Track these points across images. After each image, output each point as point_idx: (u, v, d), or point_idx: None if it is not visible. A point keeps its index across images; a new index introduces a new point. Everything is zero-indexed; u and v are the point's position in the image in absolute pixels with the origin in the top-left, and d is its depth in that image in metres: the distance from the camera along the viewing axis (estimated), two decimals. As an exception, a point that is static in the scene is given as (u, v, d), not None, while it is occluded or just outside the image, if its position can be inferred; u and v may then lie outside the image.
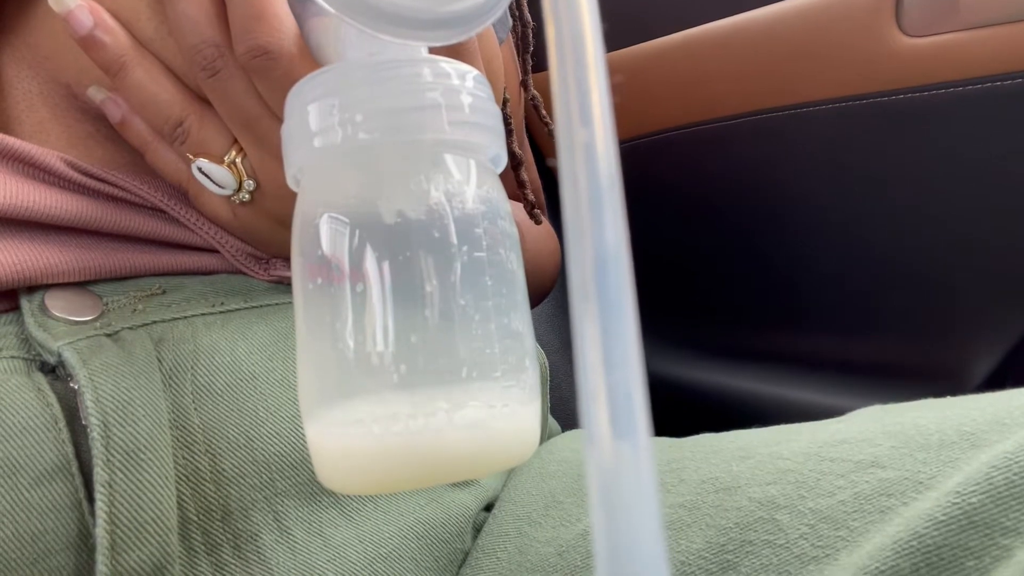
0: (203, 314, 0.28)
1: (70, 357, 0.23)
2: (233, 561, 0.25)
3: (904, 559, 0.19)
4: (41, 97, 0.29)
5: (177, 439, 0.25)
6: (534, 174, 0.53)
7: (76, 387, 0.23)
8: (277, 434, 0.27)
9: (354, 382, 0.16)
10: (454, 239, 0.17)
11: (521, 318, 0.18)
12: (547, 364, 0.43)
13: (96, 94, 0.27)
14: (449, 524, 0.31)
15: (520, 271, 0.18)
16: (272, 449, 0.27)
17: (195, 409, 0.26)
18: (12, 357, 0.24)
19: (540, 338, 0.68)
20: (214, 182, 0.27)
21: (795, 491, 0.24)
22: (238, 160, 0.26)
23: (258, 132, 0.25)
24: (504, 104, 0.38)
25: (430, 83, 0.17)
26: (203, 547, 0.25)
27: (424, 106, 0.17)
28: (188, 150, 0.26)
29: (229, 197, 0.27)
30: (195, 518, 0.25)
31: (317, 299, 0.17)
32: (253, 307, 0.30)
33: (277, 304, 0.30)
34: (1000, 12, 0.52)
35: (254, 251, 0.30)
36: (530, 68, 0.42)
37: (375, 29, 0.16)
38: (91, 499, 0.23)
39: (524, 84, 0.41)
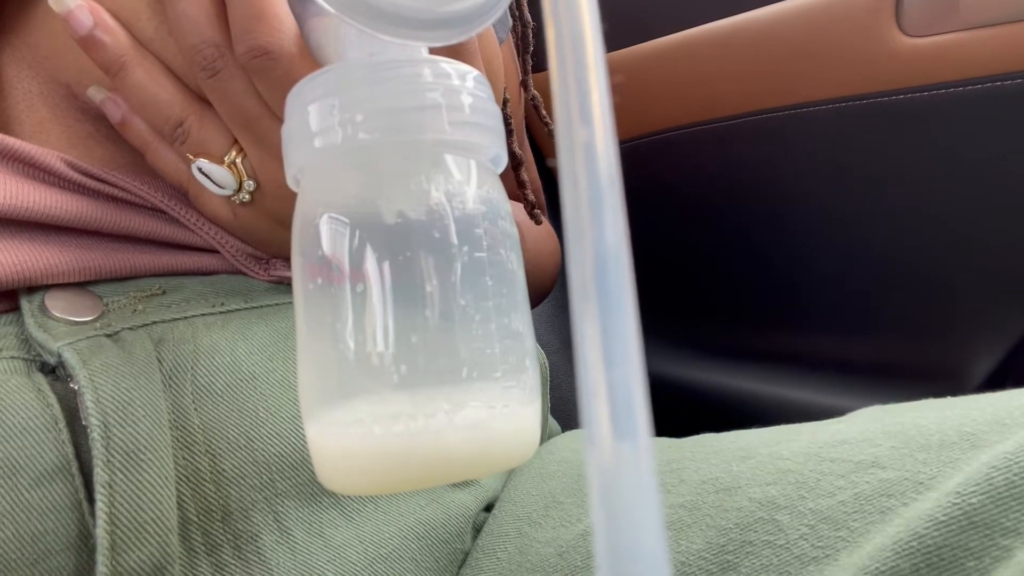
0: (203, 314, 0.28)
1: (70, 358, 0.23)
2: (233, 561, 0.25)
3: (904, 559, 0.19)
4: (41, 97, 0.29)
5: (177, 439, 0.25)
6: (534, 174, 0.53)
7: (76, 388, 0.23)
8: (277, 434, 0.27)
9: (354, 382, 0.16)
10: (454, 239, 0.16)
11: (521, 318, 0.18)
12: (547, 364, 0.43)
13: (96, 94, 0.27)
14: (449, 524, 0.31)
15: (520, 271, 0.18)
16: (272, 449, 0.27)
17: (195, 409, 0.26)
18: (12, 358, 0.24)
19: (540, 338, 0.68)
20: (214, 182, 0.27)
21: (795, 491, 0.24)
22: (238, 160, 0.26)
23: (258, 132, 0.25)
24: (504, 104, 0.38)
25: (430, 83, 0.17)
26: (203, 547, 0.25)
27: (424, 106, 0.17)
28: (188, 150, 0.26)
29: (229, 197, 0.27)
30: (195, 518, 0.25)
31: (317, 299, 0.17)
32: (253, 307, 0.30)
33: (277, 304, 0.30)
34: (1000, 12, 0.52)
35: (254, 251, 0.30)
36: (530, 68, 0.42)
37: (375, 29, 0.16)
38: (91, 499, 0.23)
39: (524, 84, 0.41)
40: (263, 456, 0.27)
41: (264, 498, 0.26)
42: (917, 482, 0.22)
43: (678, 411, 0.84)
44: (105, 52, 0.25)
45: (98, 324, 0.26)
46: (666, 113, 0.70)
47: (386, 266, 0.16)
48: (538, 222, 0.42)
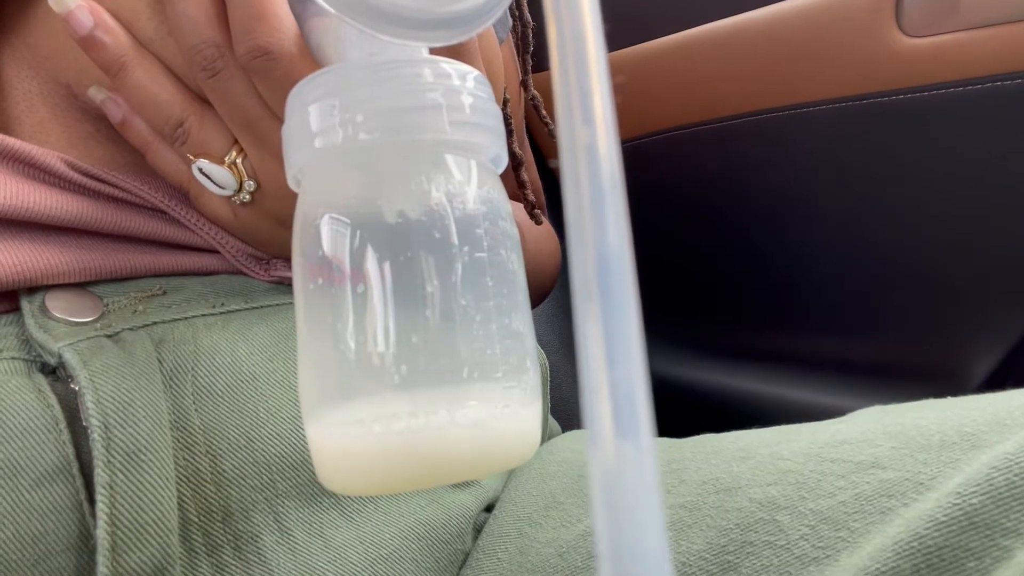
0: (203, 315, 0.28)
1: (71, 358, 0.23)
2: (234, 562, 0.25)
3: (905, 560, 0.19)
4: (41, 97, 0.29)
5: (178, 440, 0.25)
6: (534, 174, 0.53)
7: (77, 388, 0.23)
8: (278, 435, 0.27)
9: (355, 383, 0.16)
10: (455, 239, 0.16)
11: (522, 318, 0.18)
12: (548, 365, 0.43)
13: (96, 94, 0.27)
14: (450, 525, 0.31)
15: (521, 271, 0.18)
16: (273, 450, 0.27)
17: (196, 410, 0.26)
18: (12, 358, 0.24)
19: (541, 338, 0.68)
20: (214, 183, 0.27)
21: (796, 492, 0.24)
22: (239, 161, 0.26)
23: (258, 133, 0.25)
24: (504, 104, 0.38)
25: (431, 83, 0.17)
26: (204, 548, 0.25)
27: (425, 106, 0.17)
28: (188, 150, 0.26)
29: (230, 198, 0.27)
30: (196, 519, 0.25)
31: (318, 300, 0.17)
32: (254, 308, 0.30)
33: (278, 305, 0.30)
34: (1000, 12, 0.52)
35: (255, 252, 0.30)
36: (530, 68, 0.42)
37: (375, 29, 0.16)
38: (92, 500, 0.23)
39: (524, 84, 0.41)
40: (264, 457, 0.26)
41: (265, 499, 0.26)
42: (917, 482, 0.22)
43: (678, 411, 0.84)
44: (105, 52, 0.25)
45: (98, 325, 0.26)
46: (666, 113, 0.70)
47: (387, 266, 0.16)
48: (538, 222, 0.42)
